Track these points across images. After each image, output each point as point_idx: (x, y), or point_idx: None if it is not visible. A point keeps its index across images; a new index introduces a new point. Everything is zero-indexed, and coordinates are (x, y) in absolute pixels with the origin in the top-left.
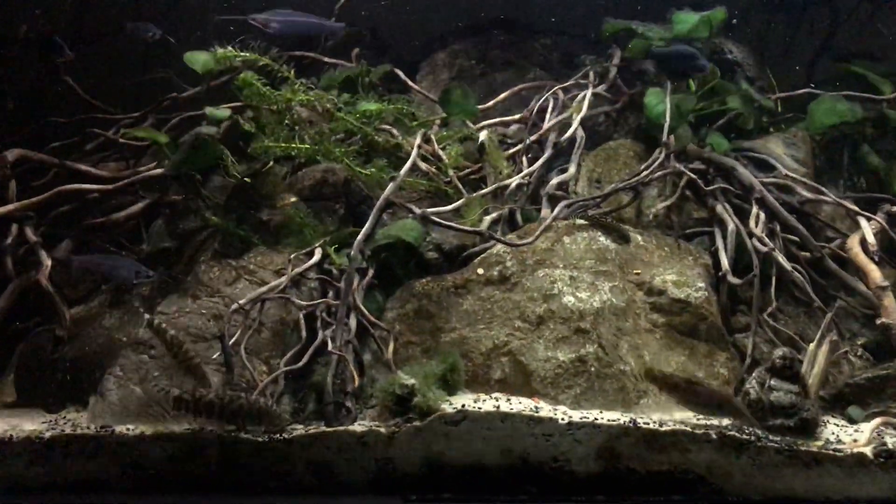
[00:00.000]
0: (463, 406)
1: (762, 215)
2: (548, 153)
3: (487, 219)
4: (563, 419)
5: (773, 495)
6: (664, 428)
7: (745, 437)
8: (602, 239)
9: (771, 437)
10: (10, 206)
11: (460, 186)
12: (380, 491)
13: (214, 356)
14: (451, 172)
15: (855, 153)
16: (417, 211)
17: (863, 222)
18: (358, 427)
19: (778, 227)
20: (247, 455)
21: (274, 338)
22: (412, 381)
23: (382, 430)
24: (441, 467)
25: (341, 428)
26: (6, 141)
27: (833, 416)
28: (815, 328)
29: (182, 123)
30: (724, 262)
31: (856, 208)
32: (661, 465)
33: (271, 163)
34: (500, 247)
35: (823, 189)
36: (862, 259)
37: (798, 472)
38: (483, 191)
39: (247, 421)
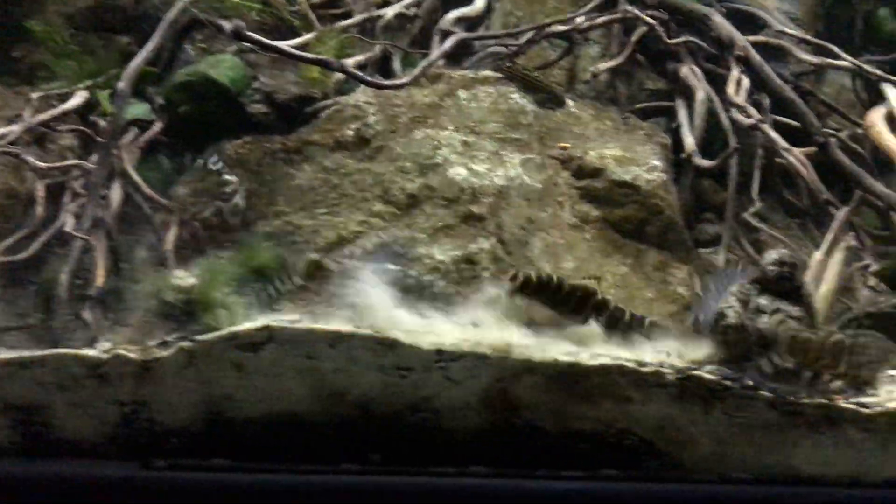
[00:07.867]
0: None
1: (745, 80)
2: None
3: (350, 61)
4: (429, 345)
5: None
6: (592, 362)
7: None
8: (516, 97)
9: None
10: None
11: (312, 16)
12: (122, 453)
13: None
14: None
15: (870, 18)
16: (228, 25)
17: (889, 91)
18: (94, 351)
19: (767, 102)
20: None
21: None
22: (192, 280)
23: (133, 355)
24: (228, 418)
25: (62, 350)
26: None
27: None
28: (812, 246)
29: None
30: (689, 140)
31: (879, 73)
32: (586, 423)
33: None
34: (360, 96)
35: (833, 48)
36: (887, 139)
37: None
38: (345, 21)
39: None
